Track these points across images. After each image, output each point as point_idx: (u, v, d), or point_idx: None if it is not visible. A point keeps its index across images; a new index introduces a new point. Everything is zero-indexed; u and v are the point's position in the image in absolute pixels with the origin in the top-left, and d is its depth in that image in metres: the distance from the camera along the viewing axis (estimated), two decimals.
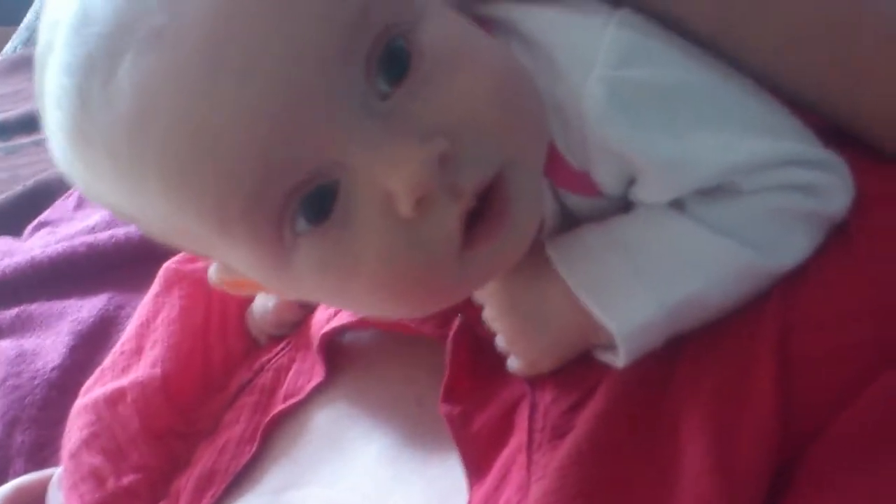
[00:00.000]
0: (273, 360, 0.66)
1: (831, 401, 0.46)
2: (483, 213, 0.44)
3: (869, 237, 0.49)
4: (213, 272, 0.53)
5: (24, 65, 1.59)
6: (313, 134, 0.41)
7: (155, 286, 0.73)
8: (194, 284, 0.70)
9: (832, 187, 0.49)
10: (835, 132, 0.52)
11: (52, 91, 0.44)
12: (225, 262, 0.50)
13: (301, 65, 0.40)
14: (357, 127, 0.42)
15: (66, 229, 1.12)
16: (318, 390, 0.62)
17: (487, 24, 0.50)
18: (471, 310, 0.55)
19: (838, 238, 0.50)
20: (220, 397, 0.67)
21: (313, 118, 0.41)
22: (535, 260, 0.51)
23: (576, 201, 0.52)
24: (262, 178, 0.41)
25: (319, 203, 0.43)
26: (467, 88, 0.43)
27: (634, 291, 0.49)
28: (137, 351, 0.69)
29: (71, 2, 0.43)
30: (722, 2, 0.51)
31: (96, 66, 0.41)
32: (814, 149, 0.49)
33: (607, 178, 0.50)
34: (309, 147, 0.41)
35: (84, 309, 0.97)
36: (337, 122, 0.41)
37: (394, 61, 0.43)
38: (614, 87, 0.47)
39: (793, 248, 0.49)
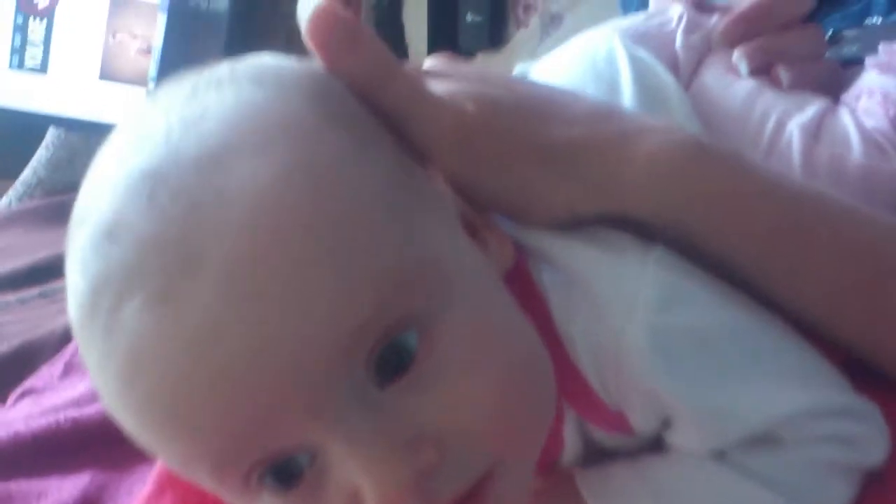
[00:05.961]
0: None
1: None
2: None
3: None
4: None
5: (15, 221, 1.59)
6: (294, 422, 0.39)
7: (148, 486, 0.70)
8: (187, 488, 0.68)
9: (870, 438, 0.48)
10: (865, 371, 0.51)
11: (70, 273, 0.42)
12: None
13: (296, 363, 0.38)
14: (343, 418, 0.39)
15: (51, 398, 1.10)
16: None
17: (521, 250, 0.49)
18: None
19: (874, 489, 0.49)
20: None
21: (298, 409, 0.39)
22: (564, 492, 0.50)
23: (605, 437, 0.51)
24: (233, 454, 0.41)
25: (289, 471, 0.41)
26: (472, 393, 0.41)
27: None
28: None
29: (107, 199, 0.41)
30: (766, 247, 0.50)
31: (108, 289, 0.39)
32: (852, 399, 0.49)
33: (642, 420, 0.49)
34: (287, 432, 0.40)
35: (65, 490, 0.93)
36: (322, 410, 0.39)
37: (399, 355, 0.41)
38: (656, 334, 0.46)
39: (832, 501, 0.48)
